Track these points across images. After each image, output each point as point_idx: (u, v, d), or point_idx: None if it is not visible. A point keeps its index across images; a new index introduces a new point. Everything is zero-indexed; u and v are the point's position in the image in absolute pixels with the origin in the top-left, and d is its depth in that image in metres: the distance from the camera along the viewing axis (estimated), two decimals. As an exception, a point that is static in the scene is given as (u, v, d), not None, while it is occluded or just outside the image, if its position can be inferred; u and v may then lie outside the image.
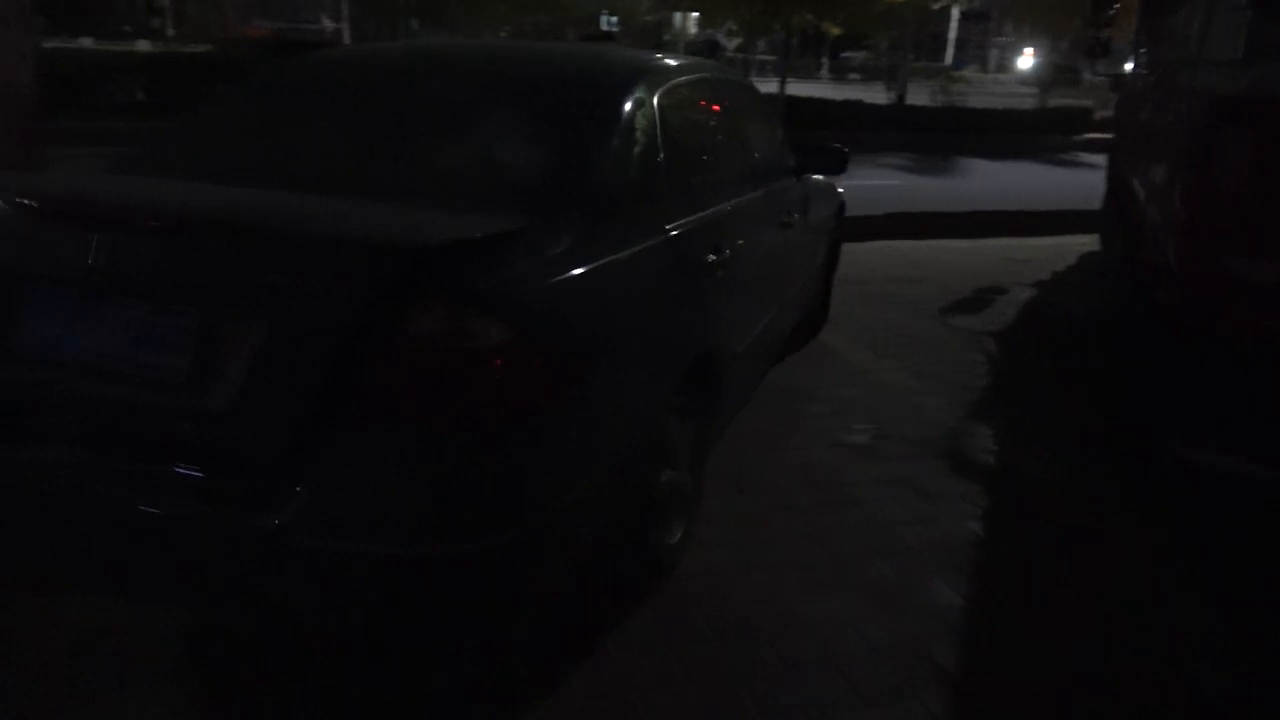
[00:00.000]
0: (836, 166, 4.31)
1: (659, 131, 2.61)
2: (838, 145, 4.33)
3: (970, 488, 3.33)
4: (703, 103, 3.18)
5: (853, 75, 37.80)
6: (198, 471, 1.80)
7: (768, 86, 16.74)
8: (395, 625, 1.93)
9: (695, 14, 39.50)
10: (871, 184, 10.81)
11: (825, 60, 40.99)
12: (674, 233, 2.52)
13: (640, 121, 2.56)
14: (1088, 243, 7.71)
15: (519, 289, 1.88)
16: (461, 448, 1.77)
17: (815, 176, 4.63)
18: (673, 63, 3.08)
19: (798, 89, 17.47)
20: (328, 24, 40.39)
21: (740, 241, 3.01)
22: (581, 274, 2.06)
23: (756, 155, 3.53)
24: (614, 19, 44.96)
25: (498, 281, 1.85)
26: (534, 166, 2.37)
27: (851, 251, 7.24)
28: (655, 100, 2.66)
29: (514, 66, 2.83)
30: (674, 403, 2.57)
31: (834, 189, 5.12)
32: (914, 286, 6.28)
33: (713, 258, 2.73)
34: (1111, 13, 9.23)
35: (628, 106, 2.55)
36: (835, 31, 23.83)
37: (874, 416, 3.95)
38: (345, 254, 1.77)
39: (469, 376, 1.77)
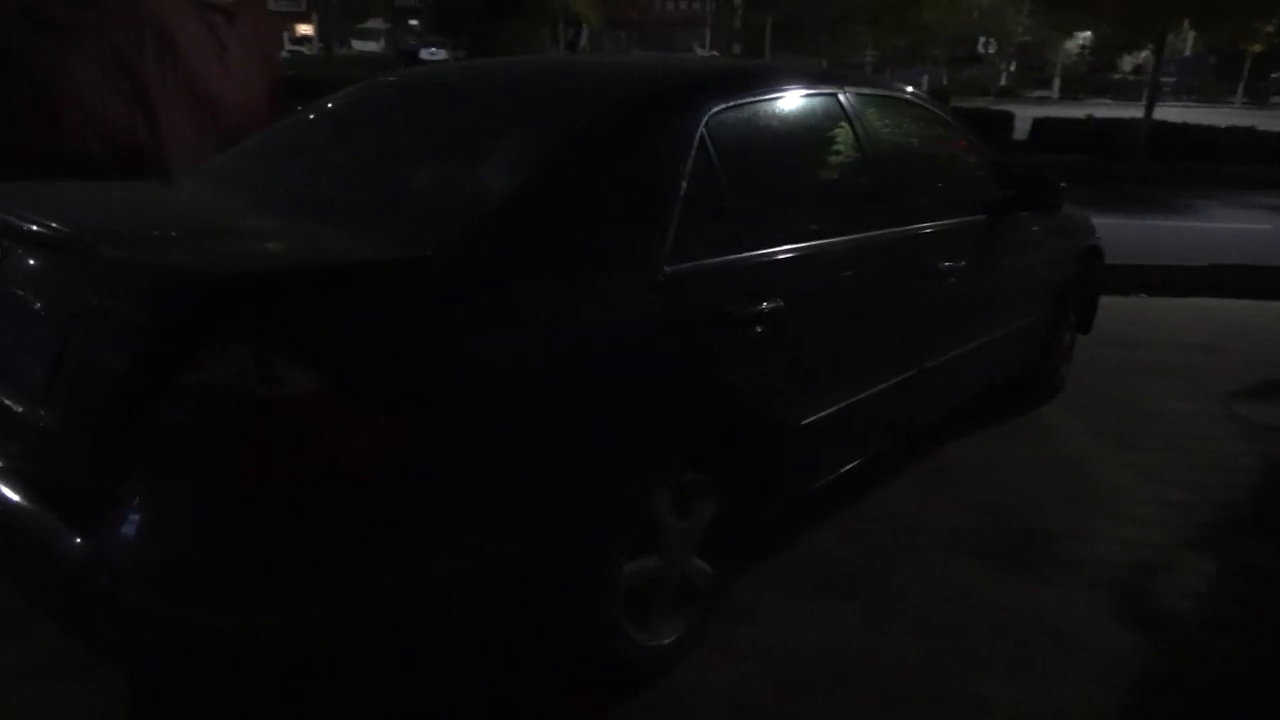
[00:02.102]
0: (1044, 204, 3.46)
1: (688, 158, 2.15)
2: (1052, 179, 3.47)
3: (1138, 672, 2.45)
4: (789, 125, 2.62)
5: (1276, 99, 32.14)
6: (23, 483, 1.75)
7: (1164, 112, 14.58)
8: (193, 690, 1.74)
9: (1086, 34, 36.04)
10: (1228, 228, 8.91)
11: (1242, 84, 35.26)
12: (677, 275, 2.07)
13: (650, 146, 2.13)
14: None
15: (348, 329, 1.60)
16: (245, 506, 1.52)
17: (1060, 215, 3.80)
18: (754, 78, 2.57)
19: (1196, 115, 15.02)
20: (699, 51, 42.63)
21: (814, 290, 2.45)
22: (482, 315, 1.73)
23: (888, 188, 2.86)
24: (988, 40, 42.34)
25: (317, 320, 1.58)
26: (486, 192, 2.07)
27: (1148, 309, 5.97)
28: (696, 122, 2.21)
29: (556, 84, 2.51)
30: (667, 478, 2.13)
31: (1078, 230, 4.14)
32: (1210, 359, 4.92)
33: (754, 308, 2.23)
34: None
35: (630, 129, 2.13)
36: (1255, 48, 20.32)
37: (1043, 524, 3.05)
38: (145, 280, 1.64)
39: (256, 427, 1.51)
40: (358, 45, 44.87)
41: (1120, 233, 7.85)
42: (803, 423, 2.47)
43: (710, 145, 2.24)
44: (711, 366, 2.17)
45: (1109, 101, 31.80)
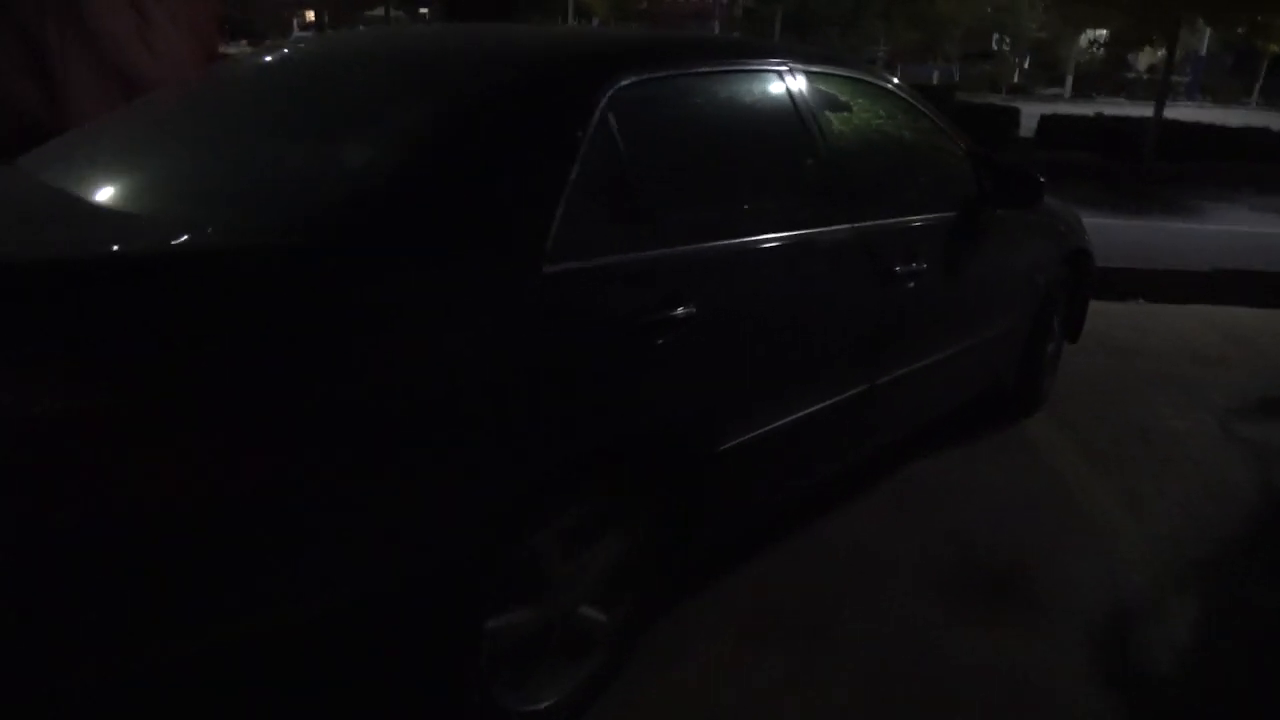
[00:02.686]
0: (1023, 198, 3.12)
1: (581, 140, 1.82)
2: (1031, 172, 3.13)
3: None
4: (717, 104, 2.28)
5: (1293, 99, 31.63)
6: None
7: (1175, 112, 14.12)
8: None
9: (1101, 31, 35.45)
10: (1237, 230, 8.52)
11: (1258, 85, 34.70)
12: (561, 276, 1.74)
13: (530, 125, 1.81)
14: None
15: (120, 337, 1.28)
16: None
17: (1045, 214, 3.48)
18: (675, 50, 2.25)
19: (1210, 115, 14.55)
20: None
21: (739, 294, 2.12)
22: (311, 318, 1.42)
23: (839, 180, 2.52)
24: (1003, 36, 41.72)
25: (97, 323, 1.27)
26: (337, 176, 1.74)
27: (1147, 315, 5.61)
28: (594, 98, 1.88)
29: (443, 55, 2.16)
30: (549, 516, 1.81)
31: (1066, 231, 3.80)
32: (1212, 370, 4.56)
33: (662, 315, 1.90)
34: None
35: (506, 106, 1.80)
36: (1272, 48, 19.83)
37: (1017, 558, 2.71)
38: None
39: (19, 453, 1.21)
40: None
41: (1121, 234, 7.51)
42: (724, 448, 2.14)
43: (614, 125, 1.91)
44: (603, 384, 1.84)
45: (1123, 100, 31.25)
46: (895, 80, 2.97)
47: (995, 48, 42.43)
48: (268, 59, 2.49)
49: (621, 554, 2.00)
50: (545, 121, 1.83)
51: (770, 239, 2.22)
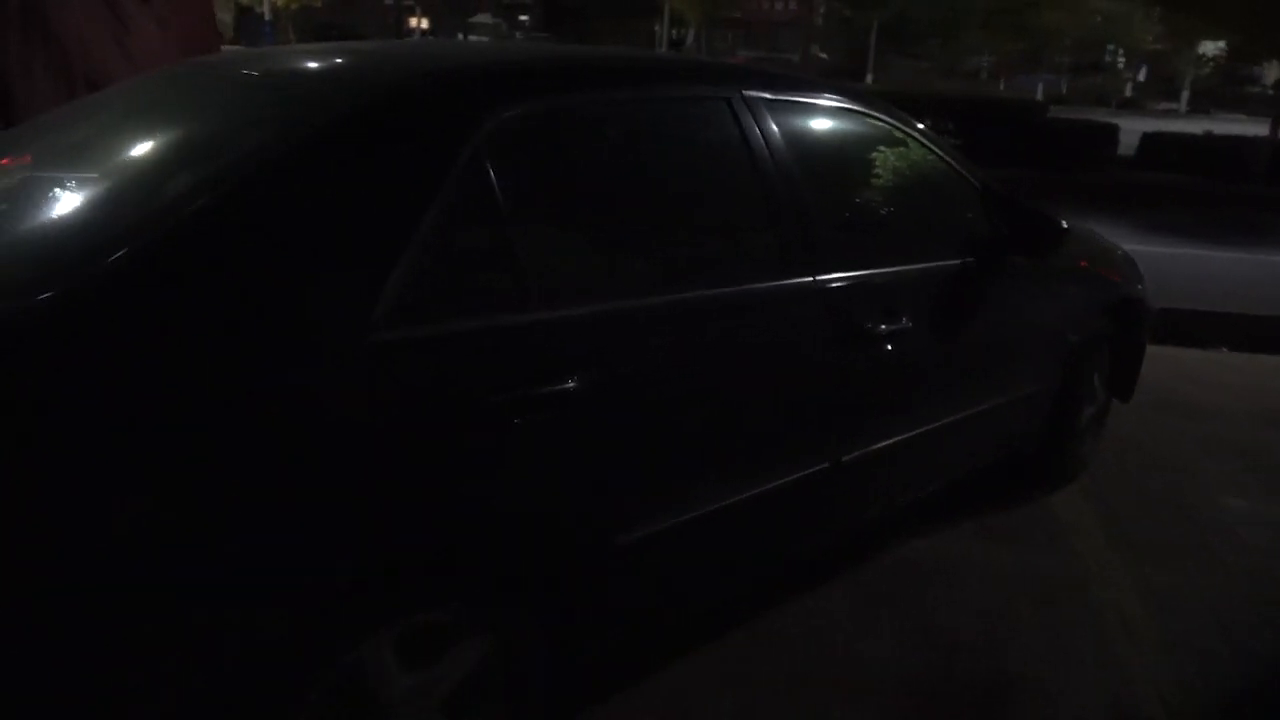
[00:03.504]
0: (1040, 244, 2.70)
1: (440, 181, 1.53)
2: (1050, 217, 2.70)
3: None
4: (638, 138, 1.96)
5: None
6: None
7: None
8: None
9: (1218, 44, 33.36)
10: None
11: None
12: (397, 345, 1.46)
13: (368, 164, 1.53)
14: None
15: None
16: None
17: (1088, 259, 3.07)
18: (583, 72, 1.95)
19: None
20: (820, 54, 41.51)
21: (646, 363, 1.80)
22: (72, 388, 1.19)
23: (798, 227, 2.16)
24: (1115, 48, 39.78)
25: None
26: (142, 217, 1.50)
27: (1227, 368, 5.00)
28: (462, 131, 1.59)
29: (310, 78, 1.89)
30: (383, 620, 1.52)
31: (1113, 277, 3.34)
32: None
33: (530, 390, 1.60)
34: None
35: (344, 140, 1.53)
36: None
37: (1013, 672, 2.27)
38: None
39: None
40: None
41: (1212, 268, 6.82)
42: (622, 545, 1.82)
43: (489, 163, 1.62)
44: (439, 474, 1.55)
45: (1243, 117, 29.28)
46: (893, 111, 2.59)
47: (1107, 60, 40.52)
48: (143, 80, 2.27)
49: (481, 667, 1.71)
50: (383, 159, 1.55)
51: (690, 297, 1.90)
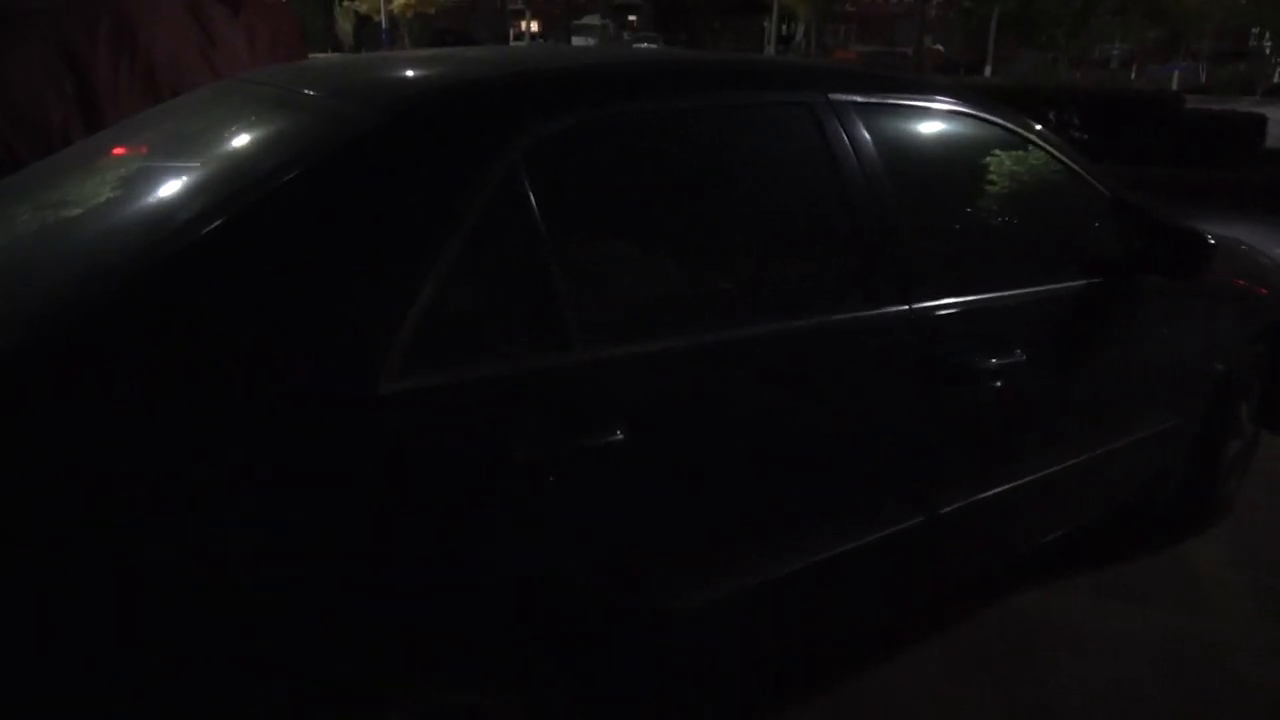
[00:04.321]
0: (1183, 265, 2.33)
1: (466, 208, 1.36)
2: (1197, 231, 2.33)
3: None
4: (709, 152, 1.73)
5: None
6: None
7: None
8: None
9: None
10: None
11: None
12: (411, 396, 1.29)
13: (376, 190, 1.37)
14: None
15: None
16: None
17: (1237, 277, 2.72)
18: (643, 77, 1.74)
19: None
20: (936, 47, 40.08)
21: (708, 410, 1.57)
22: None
23: (894, 249, 1.89)
24: (1262, 32, 36.94)
25: None
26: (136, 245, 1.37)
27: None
28: (491, 149, 1.41)
29: (367, 89, 1.73)
30: (398, 700, 1.36)
31: (1268, 297, 2.92)
32: None
33: (565, 443, 1.41)
34: None
35: (350, 161, 1.38)
36: None
37: None
38: None
39: None
40: (575, 41, 45.76)
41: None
42: (680, 610, 1.61)
43: (525, 184, 1.44)
44: (481, 531, 1.38)
45: None
46: (1006, 111, 2.28)
47: (1251, 45, 37.71)
48: (187, 99, 2.17)
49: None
50: (398, 181, 1.38)
51: (762, 332, 1.67)
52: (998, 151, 2.27)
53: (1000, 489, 2.13)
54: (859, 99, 1.93)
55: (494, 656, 1.46)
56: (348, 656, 1.29)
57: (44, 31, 3.17)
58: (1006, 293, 2.08)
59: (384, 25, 30.40)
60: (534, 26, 47.43)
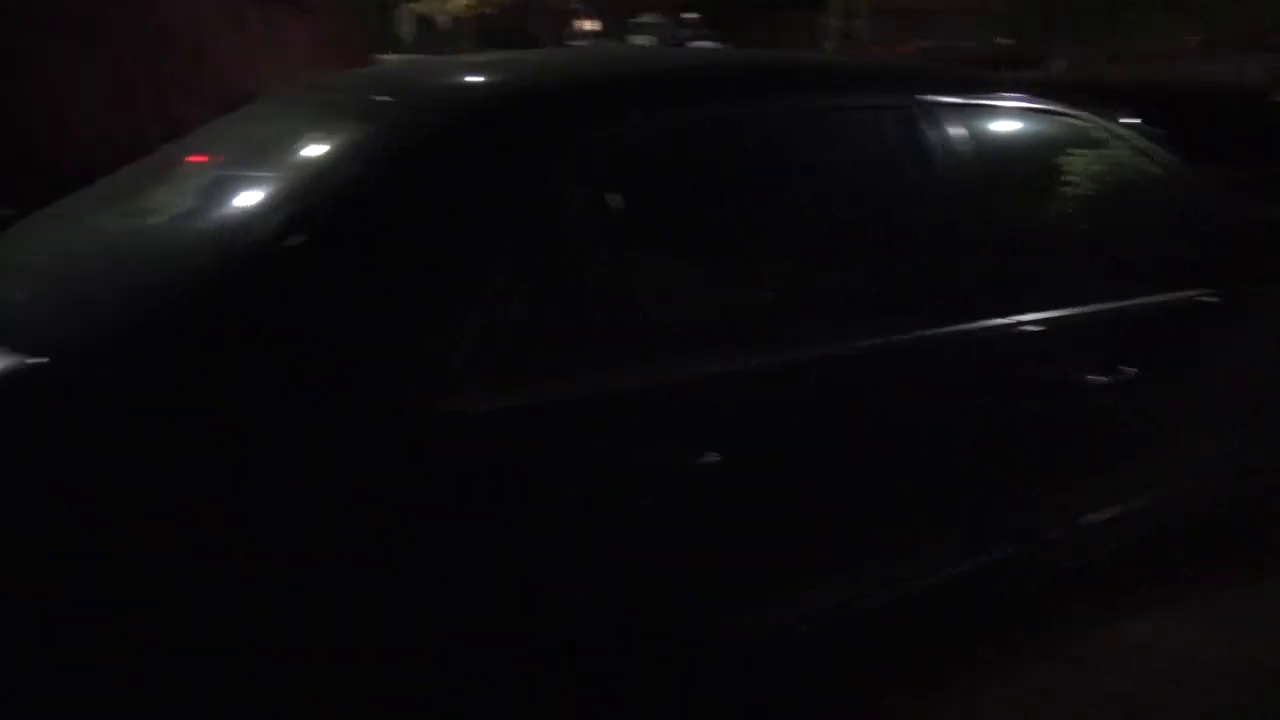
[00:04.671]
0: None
1: (514, 213, 1.32)
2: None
3: None
4: (794, 154, 1.65)
5: None
6: None
7: None
8: None
9: None
10: None
11: None
12: (466, 416, 1.24)
13: (418, 193, 1.32)
14: None
15: None
16: None
17: None
18: (710, 76, 1.69)
19: None
20: (1002, 40, 39.19)
21: (799, 431, 1.50)
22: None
23: (998, 257, 1.80)
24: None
25: None
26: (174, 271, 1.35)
27: None
28: (545, 152, 1.37)
29: (379, 101, 1.71)
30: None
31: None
32: None
33: (646, 466, 1.35)
34: None
35: (393, 166, 1.34)
36: None
37: None
38: None
39: None
40: (633, 39, 45.67)
41: None
42: (758, 637, 1.54)
43: (607, 194, 1.39)
44: (557, 555, 1.32)
45: None
46: (1098, 109, 2.16)
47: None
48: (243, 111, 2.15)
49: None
50: (464, 191, 1.34)
51: (851, 350, 1.59)
52: (1094, 154, 2.15)
53: (1109, 513, 2.02)
54: (949, 100, 1.83)
55: (573, 682, 1.40)
56: (423, 668, 1.25)
57: (116, 36, 3.22)
58: (1108, 305, 1.97)
59: (446, 27, 30.69)
60: (592, 26, 47.48)
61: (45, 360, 1.16)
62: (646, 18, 48.94)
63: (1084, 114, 2.13)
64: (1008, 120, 1.99)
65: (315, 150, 1.58)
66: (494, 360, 1.27)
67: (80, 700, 1.04)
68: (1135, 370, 1.94)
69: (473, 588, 1.26)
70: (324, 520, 1.18)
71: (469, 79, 1.80)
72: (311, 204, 1.32)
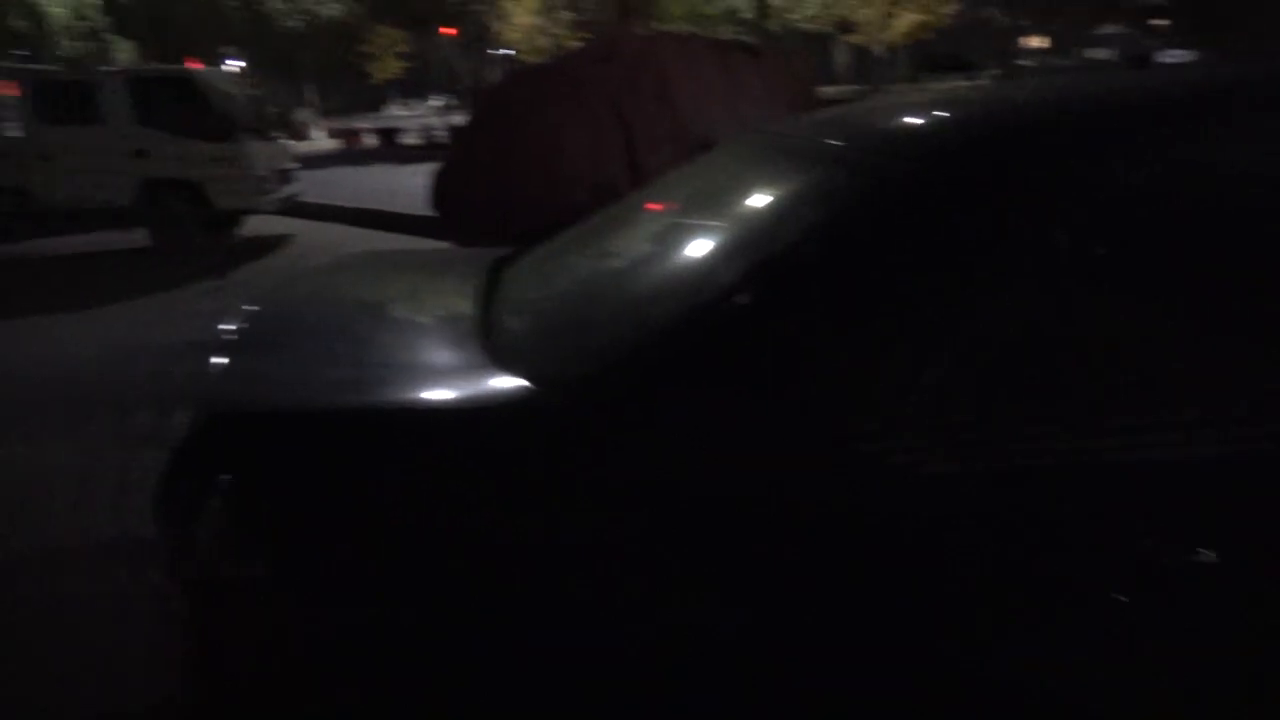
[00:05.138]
0: None
1: (1034, 276, 1.21)
2: None
3: None
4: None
5: None
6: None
7: None
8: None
9: None
10: None
11: None
12: (943, 475, 1.17)
13: (913, 249, 1.24)
14: None
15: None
16: None
17: None
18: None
19: None
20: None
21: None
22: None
23: None
24: None
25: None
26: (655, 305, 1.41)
27: None
28: (1049, 201, 1.23)
29: (893, 137, 1.62)
30: None
31: None
32: None
33: (1163, 556, 1.16)
34: None
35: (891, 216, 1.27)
36: None
37: None
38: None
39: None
40: (1089, 54, 41.68)
41: None
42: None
43: (1103, 247, 1.25)
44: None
45: None
46: None
47: None
48: (719, 152, 2.24)
49: None
50: (943, 241, 1.27)
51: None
52: None
53: None
54: None
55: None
56: None
57: (602, 92, 3.64)
58: None
59: (881, 55, 30.50)
60: (1041, 43, 44.17)
61: (546, 387, 1.31)
62: (1108, 29, 44.31)
63: None
64: None
65: (774, 198, 1.63)
66: (958, 418, 1.20)
67: None
68: None
69: (887, 649, 1.20)
70: (759, 557, 1.19)
71: (942, 118, 1.73)
72: (776, 253, 1.36)
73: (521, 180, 3.57)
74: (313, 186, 11.76)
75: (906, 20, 29.98)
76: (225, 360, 1.65)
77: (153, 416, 3.40)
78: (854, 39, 33.46)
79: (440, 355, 1.56)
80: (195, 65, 13.52)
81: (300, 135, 22.58)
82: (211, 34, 29.34)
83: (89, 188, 8.98)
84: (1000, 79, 29.66)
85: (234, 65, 32.31)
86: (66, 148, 8.92)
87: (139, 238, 9.52)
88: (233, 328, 1.86)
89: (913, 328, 1.24)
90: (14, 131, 9.07)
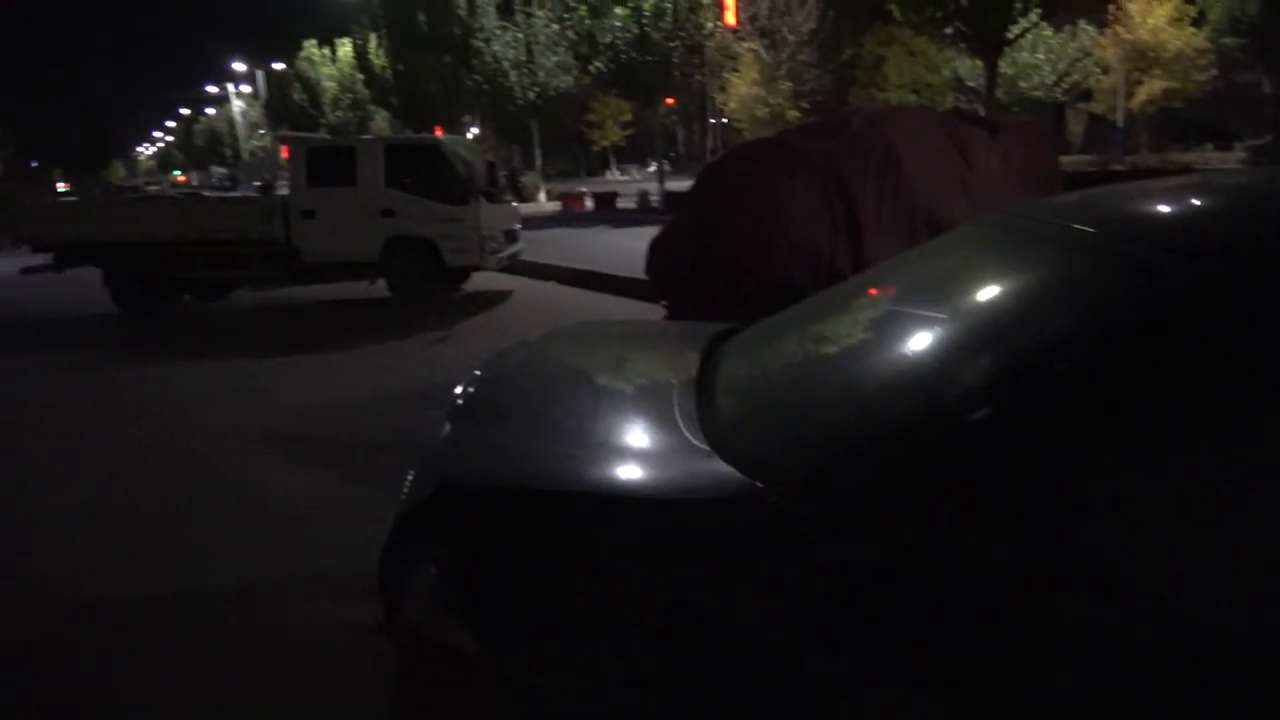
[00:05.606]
0: None
1: None
2: None
3: None
4: None
5: None
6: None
7: None
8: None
9: None
10: None
11: None
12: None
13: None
14: None
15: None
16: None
17: None
18: None
19: None
20: None
21: None
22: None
23: None
24: None
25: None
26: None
27: None
28: None
29: (1175, 228, 1.42)
30: None
31: None
32: None
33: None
34: None
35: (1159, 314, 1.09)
36: None
37: None
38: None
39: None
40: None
41: None
42: None
43: None
44: None
45: None
46: None
47: None
48: (961, 234, 2.09)
49: None
50: (1219, 345, 1.10)
51: None
52: None
53: None
54: None
55: None
56: None
57: (824, 166, 3.55)
58: None
59: (1119, 123, 28.55)
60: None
61: (765, 481, 1.25)
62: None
63: None
64: None
65: (1020, 291, 1.49)
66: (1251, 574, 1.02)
67: None
68: None
69: None
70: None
71: (1214, 205, 1.54)
72: (1016, 350, 1.24)
73: (740, 254, 3.52)
74: (533, 245, 12.43)
75: (1153, 88, 28.00)
76: (450, 427, 1.70)
77: (393, 462, 3.68)
78: (1090, 107, 31.56)
79: (658, 438, 1.54)
80: (439, 133, 14.72)
81: (528, 198, 23.97)
82: (455, 104, 31.96)
83: (343, 243, 9.92)
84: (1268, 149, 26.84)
85: (472, 132, 35.00)
86: (326, 207, 9.91)
87: (379, 289, 10.41)
88: (459, 391, 1.93)
89: (1204, 449, 1.08)
90: (283, 190, 10.17)
